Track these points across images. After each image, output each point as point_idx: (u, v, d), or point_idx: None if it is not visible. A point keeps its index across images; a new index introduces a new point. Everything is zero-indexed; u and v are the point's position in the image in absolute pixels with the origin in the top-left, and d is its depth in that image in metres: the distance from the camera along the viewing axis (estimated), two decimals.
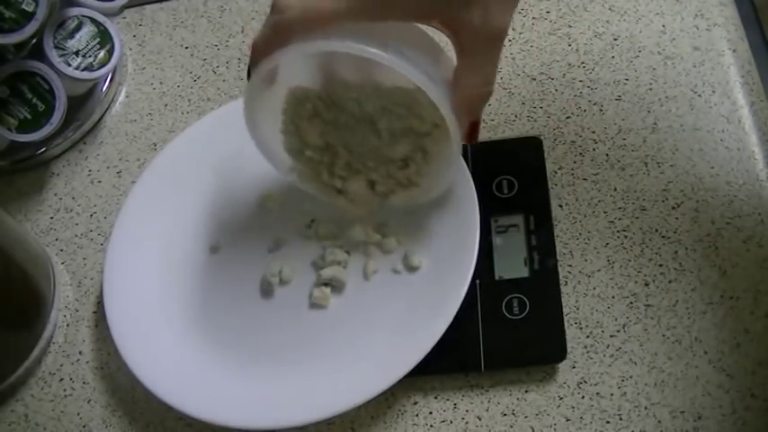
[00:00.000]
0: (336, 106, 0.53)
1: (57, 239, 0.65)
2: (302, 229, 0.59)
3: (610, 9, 0.64)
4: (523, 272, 0.54)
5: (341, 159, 0.55)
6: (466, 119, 0.47)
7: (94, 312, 0.61)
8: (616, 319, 0.52)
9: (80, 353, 0.60)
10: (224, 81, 0.69)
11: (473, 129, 0.48)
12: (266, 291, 0.57)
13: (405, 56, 0.45)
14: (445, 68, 0.48)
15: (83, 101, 0.69)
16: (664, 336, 0.51)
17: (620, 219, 0.56)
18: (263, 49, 0.46)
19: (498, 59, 0.46)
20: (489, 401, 0.52)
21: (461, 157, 0.52)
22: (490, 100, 0.62)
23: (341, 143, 0.54)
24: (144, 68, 0.72)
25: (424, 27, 0.48)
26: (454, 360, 0.52)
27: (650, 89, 0.60)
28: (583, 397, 0.51)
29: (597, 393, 0.50)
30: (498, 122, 0.61)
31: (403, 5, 0.44)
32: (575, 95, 0.61)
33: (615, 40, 0.63)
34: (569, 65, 0.62)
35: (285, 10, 0.44)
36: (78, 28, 0.66)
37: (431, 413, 0.52)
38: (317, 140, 0.54)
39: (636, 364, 0.51)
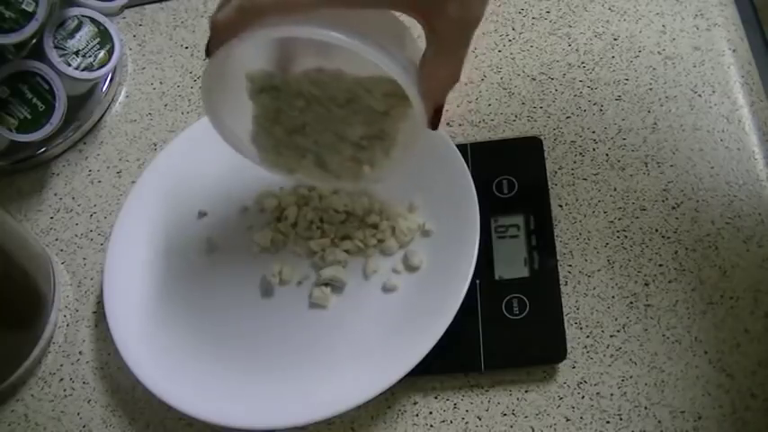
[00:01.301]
0: (293, 87, 0.52)
1: (57, 239, 0.65)
2: (302, 228, 0.59)
3: (610, 9, 0.64)
4: (523, 272, 0.54)
5: (303, 138, 0.54)
6: (432, 104, 0.47)
7: (94, 312, 0.61)
8: (616, 319, 0.52)
9: (80, 353, 0.60)
10: None
11: (437, 113, 0.48)
12: (266, 291, 0.57)
13: (373, 41, 0.44)
14: (411, 50, 0.48)
15: (83, 101, 0.69)
16: (664, 336, 0.51)
17: (620, 219, 0.56)
18: (225, 30, 0.44)
19: (469, 47, 0.46)
20: (489, 401, 0.52)
21: (424, 139, 0.51)
22: (490, 100, 0.62)
23: (299, 123, 0.53)
24: (144, 68, 0.72)
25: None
26: (454, 360, 0.52)
27: (650, 89, 0.60)
28: (583, 397, 0.51)
29: (597, 393, 0.50)
30: (498, 122, 0.61)
31: None
32: (575, 95, 0.61)
33: (615, 40, 0.63)
34: (569, 65, 0.62)
35: None
36: (78, 28, 0.66)
37: (431, 413, 0.52)
38: (278, 120, 0.53)
39: (636, 364, 0.51)
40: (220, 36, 0.45)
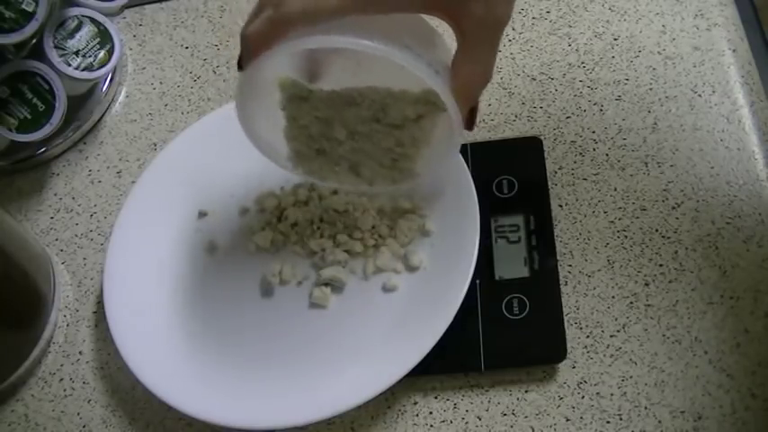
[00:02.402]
0: (323, 98, 0.52)
1: (57, 239, 0.65)
2: (302, 228, 0.59)
3: (610, 9, 0.64)
4: (523, 272, 0.54)
5: (336, 145, 0.54)
6: (466, 105, 0.47)
7: (94, 312, 0.61)
8: (616, 319, 0.52)
9: (80, 353, 0.60)
10: (224, 81, 0.69)
11: (472, 114, 0.48)
12: (266, 291, 0.57)
13: (404, 47, 0.44)
14: (442, 52, 0.48)
15: (83, 101, 0.69)
16: (664, 336, 0.51)
17: (620, 219, 0.56)
18: (258, 43, 0.44)
19: (498, 47, 0.46)
20: (489, 401, 0.52)
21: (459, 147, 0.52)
22: (490, 100, 0.62)
23: (331, 131, 0.54)
24: (144, 68, 0.72)
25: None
26: (454, 360, 0.52)
27: (650, 89, 0.60)
28: (583, 397, 0.51)
29: (597, 393, 0.50)
30: (498, 122, 0.61)
31: None
32: (575, 95, 0.61)
33: (615, 40, 0.63)
34: (569, 65, 0.62)
35: (284, 3, 0.43)
36: (78, 28, 0.66)
37: (431, 413, 0.52)
38: (313, 127, 0.53)
39: (636, 364, 0.51)
40: (252, 49, 0.45)
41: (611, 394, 0.50)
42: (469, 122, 0.48)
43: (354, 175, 0.55)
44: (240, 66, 0.46)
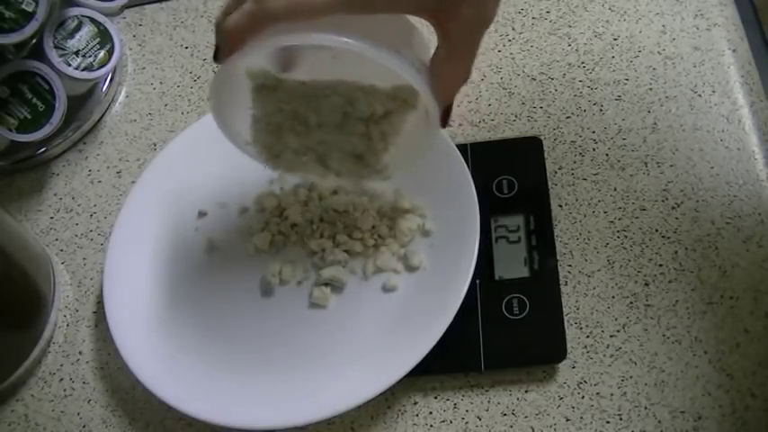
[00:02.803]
0: (291, 88, 0.52)
1: (57, 239, 0.65)
2: (302, 228, 0.59)
3: (610, 9, 0.64)
4: (523, 272, 0.54)
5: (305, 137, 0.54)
6: (444, 104, 0.47)
7: (94, 312, 0.61)
8: (616, 319, 0.52)
9: (80, 353, 0.60)
10: None
11: (447, 112, 0.48)
12: (266, 291, 0.57)
13: (384, 44, 0.44)
14: (420, 50, 0.48)
15: (83, 101, 0.69)
16: (664, 336, 0.51)
17: (620, 219, 0.56)
18: (237, 38, 0.44)
19: (479, 46, 0.46)
20: (489, 401, 0.52)
21: (440, 137, 0.52)
22: (490, 100, 0.62)
23: (299, 122, 0.53)
24: (144, 68, 0.72)
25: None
26: (454, 360, 0.52)
27: (650, 89, 0.60)
28: (583, 397, 0.51)
29: (597, 393, 0.50)
30: (498, 122, 0.61)
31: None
32: (575, 95, 0.61)
33: (615, 40, 0.63)
34: (569, 65, 0.62)
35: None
36: (78, 28, 0.66)
37: (431, 413, 0.52)
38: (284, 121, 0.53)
39: (636, 364, 0.51)
40: (230, 43, 0.44)
41: (611, 394, 0.50)
42: (444, 120, 0.48)
43: (322, 166, 0.55)
44: (216, 58, 0.45)
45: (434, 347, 0.51)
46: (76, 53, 0.66)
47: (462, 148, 0.58)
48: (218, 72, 0.46)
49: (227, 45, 0.44)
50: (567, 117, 0.60)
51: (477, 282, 0.54)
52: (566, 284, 0.54)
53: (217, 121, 0.52)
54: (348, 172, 0.55)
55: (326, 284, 0.56)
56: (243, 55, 0.44)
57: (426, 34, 0.48)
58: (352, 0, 0.42)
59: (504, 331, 0.52)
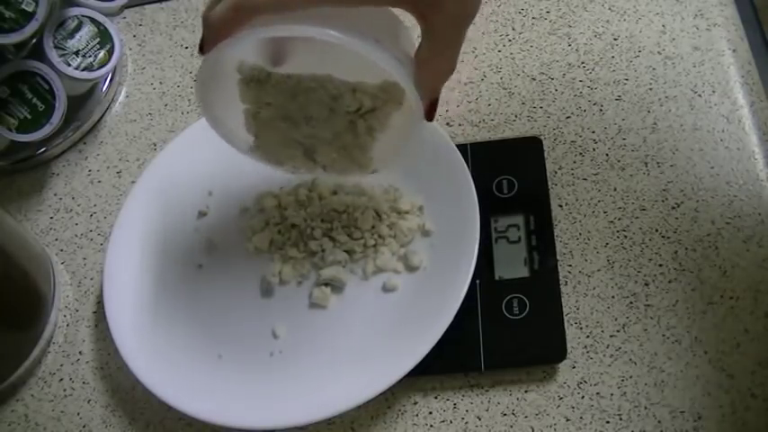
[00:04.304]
0: (279, 83, 0.52)
1: (57, 239, 0.65)
2: (302, 228, 0.59)
3: (610, 9, 0.64)
4: (523, 272, 0.54)
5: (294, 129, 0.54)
6: (428, 98, 0.47)
7: (94, 312, 0.61)
8: (616, 319, 0.52)
9: (80, 353, 0.60)
10: None
11: (433, 106, 0.48)
12: (266, 291, 0.57)
13: (369, 37, 0.44)
14: (405, 43, 0.48)
15: (83, 101, 0.69)
16: (664, 336, 0.51)
17: (620, 219, 0.56)
18: (221, 29, 0.44)
19: (464, 40, 0.46)
20: (489, 401, 0.52)
21: (423, 132, 0.51)
22: (490, 100, 0.62)
23: (287, 115, 0.53)
24: (144, 68, 0.72)
25: None
26: (454, 360, 0.52)
27: (650, 89, 0.60)
28: (583, 397, 0.51)
29: (597, 393, 0.50)
30: (498, 122, 0.61)
31: None
32: (575, 95, 0.61)
33: (615, 40, 0.63)
34: (569, 65, 0.62)
35: None
36: (78, 28, 0.66)
37: (431, 413, 0.52)
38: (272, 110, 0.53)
39: (636, 364, 0.51)
40: (214, 34, 0.44)
41: (611, 394, 0.50)
42: (430, 114, 0.48)
43: (309, 160, 0.55)
44: (201, 50, 0.46)
45: (434, 347, 0.51)
46: (76, 53, 0.66)
47: (462, 148, 0.58)
48: (203, 63, 0.46)
49: (210, 36, 0.45)
50: (567, 117, 0.60)
51: (477, 282, 0.54)
52: (566, 284, 0.54)
53: (203, 110, 0.51)
54: (335, 166, 0.55)
55: (326, 284, 0.56)
56: (226, 46, 0.44)
57: (413, 30, 0.48)
58: None
59: (504, 331, 0.52)
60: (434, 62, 0.46)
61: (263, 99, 0.51)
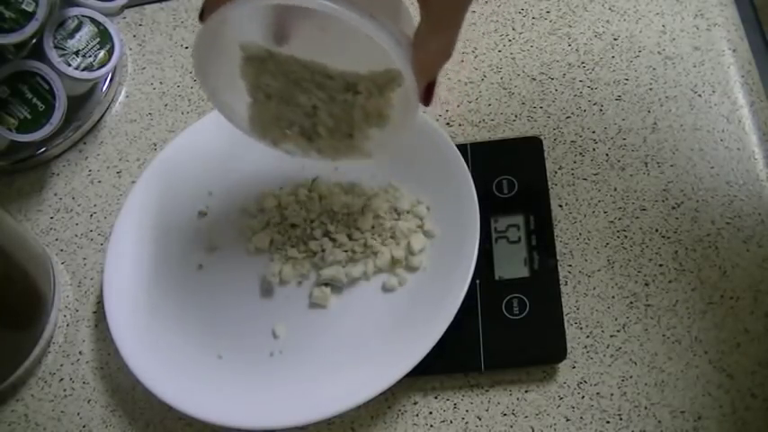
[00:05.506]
0: (281, 63, 0.52)
1: (57, 239, 0.65)
2: (302, 228, 0.59)
3: (610, 9, 0.64)
4: (523, 272, 0.54)
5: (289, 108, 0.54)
6: (425, 80, 0.47)
7: (94, 312, 0.61)
8: (616, 319, 0.52)
9: (80, 353, 0.60)
10: None
11: (429, 90, 0.48)
12: (266, 291, 0.57)
13: (368, 14, 0.44)
14: (405, 24, 0.47)
15: (83, 101, 0.69)
16: (664, 336, 0.51)
17: (620, 219, 0.56)
18: None
19: (462, 24, 0.46)
20: (489, 401, 0.52)
21: (417, 119, 0.51)
22: (490, 100, 0.62)
23: (286, 95, 0.53)
24: (144, 68, 0.72)
25: None
26: (454, 360, 0.52)
27: (650, 89, 0.60)
28: (583, 397, 0.51)
29: (597, 393, 0.50)
30: (498, 122, 0.61)
31: None
32: (575, 95, 0.61)
33: (615, 40, 0.63)
34: (569, 65, 0.62)
35: None
36: (78, 28, 0.66)
37: (431, 413, 0.52)
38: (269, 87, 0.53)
39: (636, 364, 0.51)
40: (213, 2, 0.44)
41: (611, 394, 0.50)
42: (426, 98, 0.48)
43: (306, 141, 0.54)
44: (201, 17, 0.46)
45: (434, 347, 0.51)
46: (76, 53, 0.66)
47: (462, 148, 0.58)
48: (203, 29, 0.46)
49: (210, 2, 0.45)
50: (567, 117, 0.60)
51: (477, 282, 0.54)
52: (566, 284, 0.54)
53: (199, 78, 0.51)
54: (330, 149, 0.54)
55: (326, 284, 0.56)
56: (224, 11, 0.44)
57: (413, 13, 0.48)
58: None
59: (504, 331, 0.52)
60: (432, 43, 0.46)
61: (265, 77, 0.51)
